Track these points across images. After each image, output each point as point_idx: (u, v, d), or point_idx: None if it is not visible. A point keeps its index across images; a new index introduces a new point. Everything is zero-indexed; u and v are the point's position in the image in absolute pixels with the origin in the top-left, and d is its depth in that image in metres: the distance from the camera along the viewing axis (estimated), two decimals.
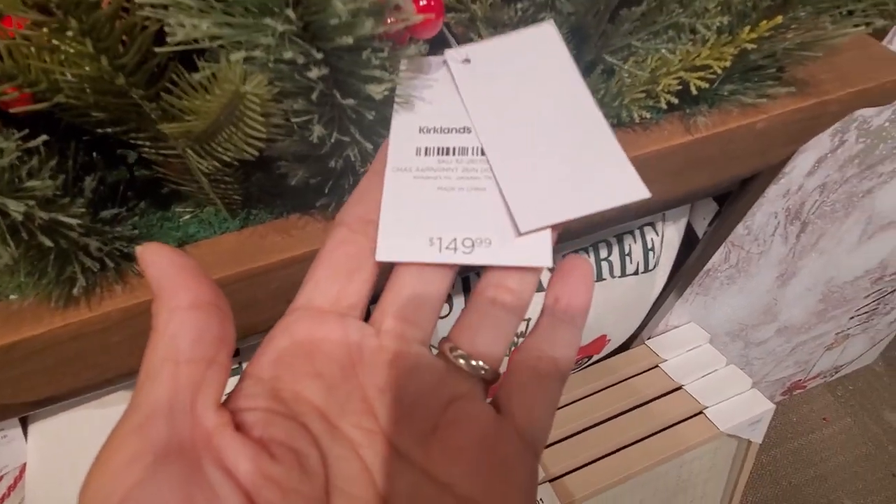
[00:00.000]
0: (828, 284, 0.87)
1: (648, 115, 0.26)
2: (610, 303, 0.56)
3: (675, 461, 0.66)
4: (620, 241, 0.53)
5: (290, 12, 0.12)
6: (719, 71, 0.22)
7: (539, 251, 0.16)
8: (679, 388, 0.72)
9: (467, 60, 0.17)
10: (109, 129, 0.19)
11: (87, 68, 0.16)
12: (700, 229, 0.56)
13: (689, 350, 0.79)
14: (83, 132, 0.21)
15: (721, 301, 0.82)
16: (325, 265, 0.16)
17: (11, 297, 0.23)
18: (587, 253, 0.52)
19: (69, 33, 0.15)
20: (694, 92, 0.23)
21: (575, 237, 0.45)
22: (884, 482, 1.15)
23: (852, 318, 1.01)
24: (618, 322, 0.61)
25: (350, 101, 0.15)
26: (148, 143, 0.20)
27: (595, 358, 0.70)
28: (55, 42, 0.15)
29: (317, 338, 0.15)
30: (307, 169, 0.21)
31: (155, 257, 0.14)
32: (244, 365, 0.45)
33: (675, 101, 0.24)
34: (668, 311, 0.77)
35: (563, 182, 0.17)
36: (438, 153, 0.16)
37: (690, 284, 0.76)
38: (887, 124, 0.62)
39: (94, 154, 0.24)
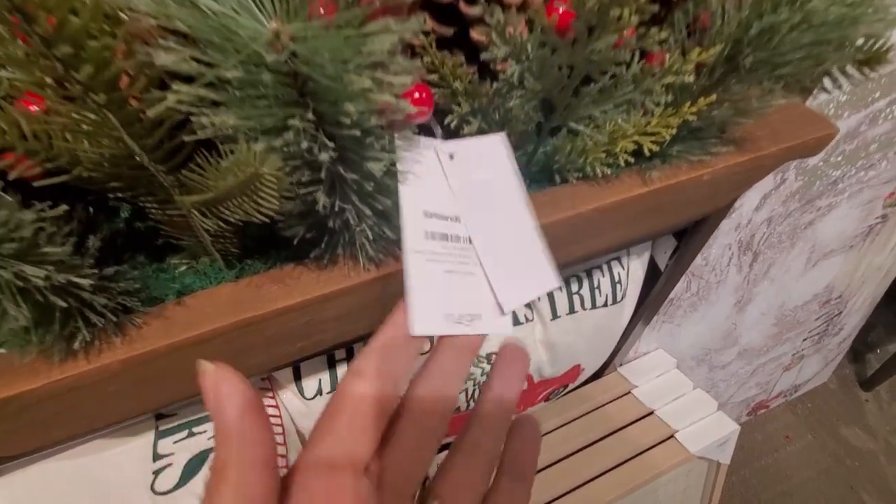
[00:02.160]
0: (781, 309, 0.93)
1: (609, 171, 0.29)
2: (582, 334, 0.59)
3: (650, 486, 0.68)
4: (590, 275, 0.56)
5: (309, 113, 0.14)
6: (667, 137, 0.26)
7: (507, 321, 0.21)
8: (650, 412, 0.75)
9: (452, 157, 0.20)
10: (119, 195, 0.21)
11: (109, 146, 0.17)
12: (662, 262, 0.60)
13: (658, 375, 0.83)
14: (87, 192, 0.23)
15: (686, 328, 0.87)
16: (348, 419, 0.16)
17: (4, 350, 0.23)
18: (560, 289, 0.55)
19: (91, 114, 0.17)
20: (647, 153, 0.27)
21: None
22: (844, 495, 1.20)
23: (805, 339, 1.07)
24: (590, 352, 0.64)
25: (352, 176, 0.17)
26: (155, 206, 0.22)
27: (571, 387, 0.72)
28: (77, 119, 0.17)
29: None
30: (307, 226, 0.23)
31: (230, 393, 0.13)
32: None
33: (632, 159, 0.28)
34: (637, 339, 0.81)
35: (522, 271, 0.21)
36: (441, 238, 0.19)
37: (657, 313, 0.80)
38: (821, 163, 0.68)
39: (93, 210, 0.25)
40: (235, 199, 0.18)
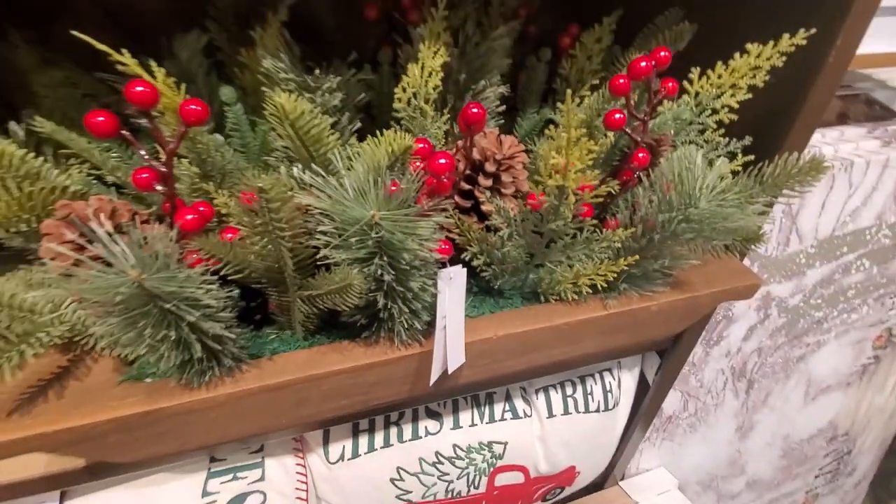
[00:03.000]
0: (786, 441, 0.95)
1: (577, 297, 0.41)
2: (577, 435, 0.66)
3: None
4: (583, 382, 0.65)
5: (383, 256, 0.27)
6: (611, 278, 0.37)
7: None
8: None
9: (451, 278, 0.32)
10: (256, 286, 0.34)
11: (271, 262, 0.31)
12: (650, 377, 0.68)
13: (659, 494, 0.85)
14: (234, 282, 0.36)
15: (687, 448, 0.90)
16: None
17: (150, 379, 0.35)
18: (555, 390, 0.64)
19: (269, 244, 0.30)
20: (600, 288, 0.38)
21: (546, 373, 0.57)
22: None
23: (817, 476, 1.05)
24: (585, 455, 0.69)
25: (401, 289, 0.30)
26: (275, 294, 0.34)
27: (568, 491, 0.76)
28: (259, 247, 0.31)
29: None
30: (363, 315, 0.35)
31: None
32: (266, 460, 0.54)
33: (591, 291, 0.39)
34: (637, 452, 0.85)
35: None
36: (441, 329, 0.30)
37: (655, 428, 0.85)
38: (801, 304, 0.77)
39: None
40: (331, 295, 0.31)
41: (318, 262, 0.30)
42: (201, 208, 0.29)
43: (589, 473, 0.75)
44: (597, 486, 0.84)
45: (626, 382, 0.69)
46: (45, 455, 0.46)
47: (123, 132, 0.26)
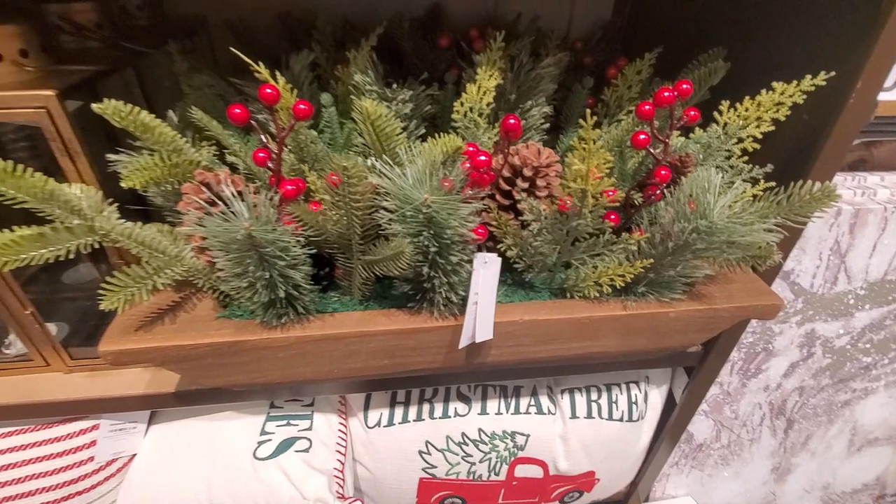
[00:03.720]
0: (826, 491, 0.90)
1: (598, 295, 0.46)
2: (598, 440, 0.69)
3: None
4: (609, 390, 0.68)
5: (430, 230, 0.34)
6: (629, 279, 0.42)
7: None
8: None
9: (485, 263, 0.39)
10: (329, 250, 0.42)
11: (342, 228, 0.39)
12: (678, 395, 0.69)
13: None
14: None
15: (718, 481, 0.88)
16: None
17: (238, 318, 0.44)
18: (580, 392, 0.67)
19: (343, 215, 0.38)
20: (618, 287, 0.43)
21: (569, 365, 0.61)
22: None
23: None
24: (606, 462, 0.72)
25: (442, 261, 0.37)
26: (343, 258, 0.43)
27: (588, 499, 0.78)
28: (335, 216, 0.39)
29: None
30: (410, 286, 0.42)
31: None
32: (315, 414, 0.62)
33: (610, 291, 0.44)
34: (664, 476, 0.85)
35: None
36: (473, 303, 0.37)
37: (684, 455, 0.85)
38: (848, 346, 0.76)
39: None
40: (387, 261, 0.38)
41: (379, 233, 0.38)
42: (298, 183, 0.38)
43: (609, 484, 0.77)
44: (619, 503, 0.85)
45: (653, 397, 0.71)
46: (147, 375, 0.56)
47: (251, 121, 0.36)
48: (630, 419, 0.69)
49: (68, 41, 0.50)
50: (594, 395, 0.68)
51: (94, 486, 0.59)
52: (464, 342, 0.42)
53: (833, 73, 0.40)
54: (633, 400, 0.69)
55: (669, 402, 0.72)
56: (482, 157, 0.35)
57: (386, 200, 0.35)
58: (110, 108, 0.37)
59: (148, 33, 0.59)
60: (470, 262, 0.39)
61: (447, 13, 0.77)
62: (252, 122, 0.36)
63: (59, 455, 0.58)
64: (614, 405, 0.68)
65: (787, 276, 0.72)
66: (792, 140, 0.47)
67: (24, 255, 0.37)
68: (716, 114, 0.46)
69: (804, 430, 0.83)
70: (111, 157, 0.42)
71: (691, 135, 0.46)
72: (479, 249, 0.41)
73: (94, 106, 0.37)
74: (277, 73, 0.36)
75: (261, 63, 0.36)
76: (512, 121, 0.35)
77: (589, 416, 0.67)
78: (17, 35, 0.41)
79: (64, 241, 0.38)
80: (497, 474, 0.68)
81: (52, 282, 0.58)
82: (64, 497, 0.58)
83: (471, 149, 0.38)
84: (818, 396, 0.80)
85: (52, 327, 0.56)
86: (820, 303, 0.73)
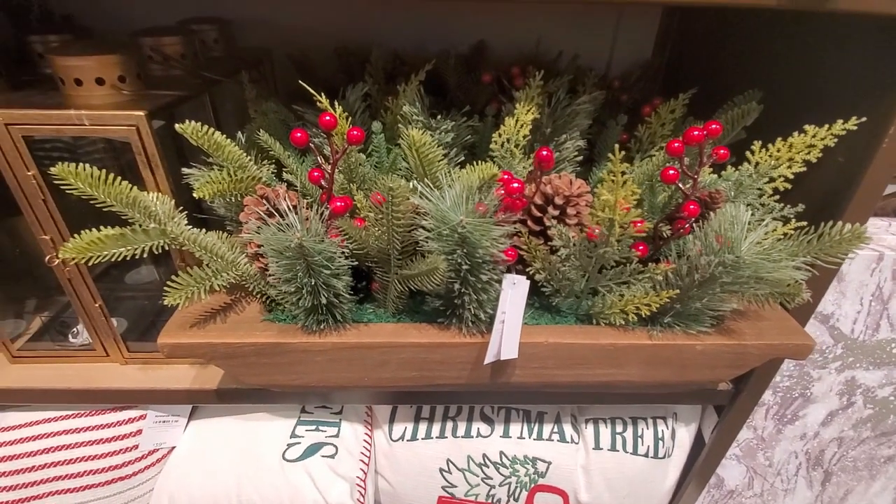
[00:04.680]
0: None
1: (624, 323, 0.47)
2: (622, 475, 0.68)
3: None
4: (635, 423, 0.68)
5: (463, 249, 0.36)
6: (655, 308, 0.43)
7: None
8: None
9: (514, 283, 0.41)
10: (369, 264, 0.45)
11: (382, 244, 0.42)
12: (706, 434, 0.68)
13: None
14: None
15: None
16: None
17: (282, 322, 0.47)
18: (605, 424, 0.67)
19: (384, 232, 0.42)
20: (644, 316, 0.44)
21: (594, 392, 0.61)
22: None
23: None
24: (628, 498, 0.70)
25: (473, 278, 0.39)
26: (380, 272, 0.46)
27: None
28: (377, 233, 0.42)
29: None
30: (441, 302, 0.45)
31: None
32: (342, 422, 0.65)
33: (636, 319, 0.45)
34: None
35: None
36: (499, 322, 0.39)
37: (714, 501, 0.82)
38: (892, 398, 0.72)
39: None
40: (422, 276, 0.41)
41: (416, 250, 0.41)
42: (347, 201, 0.42)
43: None
44: None
45: (681, 435, 0.69)
46: (193, 372, 0.61)
47: (311, 144, 0.40)
48: (656, 455, 0.68)
49: (157, 69, 0.57)
50: (619, 428, 0.67)
51: (135, 474, 0.63)
52: (489, 358, 0.44)
53: (864, 119, 0.41)
54: (660, 436, 0.68)
55: (698, 442, 0.71)
56: (515, 185, 0.38)
57: (425, 220, 0.38)
58: (190, 129, 0.42)
59: (221, 64, 0.66)
60: (499, 281, 0.41)
61: (491, 50, 0.82)
62: (311, 144, 0.41)
63: (108, 441, 0.63)
64: (640, 439, 0.67)
65: (827, 319, 0.70)
66: (827, 182, 0.48)
67: (106, 252, 0.42)
68: (748, 153, 0.47)
69: (843, 483, 0.79)
70: (186, 170, 0.47)
71: (723, 172, 0.48)
72: (509, 271, 0.43)
73: (178, 126, 0.43)
74: (335, 103, 0.40)
75: (322, 93, 0.40)
76: (545, 152, 0.37)
77: (613, 448, 0.67)
78: (117, 63, 0.48)
79: (140, 241, 0.43)
80: (516, 500, 0.68)
81: (117, 280, 0.65)
82: (108, 481, 0.62)
83: (505, 176, 0.41)
84: (858, 449, 0.76)
85: (113, 322, 0.61)
86: (861, 349, 0.71)
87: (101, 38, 0.72)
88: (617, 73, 0.81)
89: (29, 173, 0.47)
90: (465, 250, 0.37)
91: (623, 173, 0.35)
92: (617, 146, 0.35)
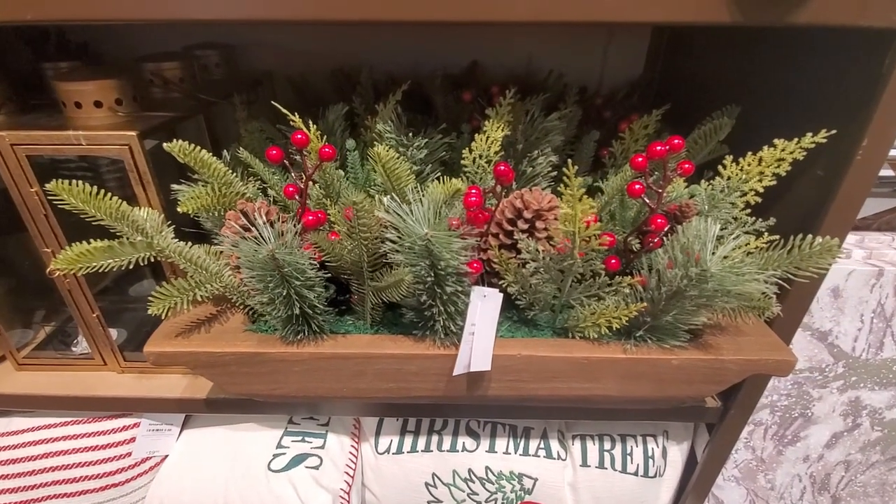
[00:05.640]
0: None
1: (598, 336, 0.47)
2: (610, 493, 0.66)
3: None
4: (623, 441, 0.66)
5: (428, 261, 0.37)
6: (625, 321, 0.43)
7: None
8: None
9: (484, 296, 0.42)
10: (343, 276, 0.47)
11: (355, 257, 0.43)
12: (699, 453, 0.66)
13: None
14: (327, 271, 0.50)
15: None
16: None
17: (263, 332, 0.49)
18: (593, 440, 0.66)
19: (354, 246, 0.43)
20: (616, 328, 0.44)
21: (582, 416, 0.61)
22: None
23: None
24: None
25: (439, 290, 0.40)
26: (356, 284, 0.47)
27: None
28: (350, 246, 0.44)
29: None
30: (414, 314, 0.46)
31: None
32: (329, 434, 0.66)
33: (608, 332, 0.45)
34: None
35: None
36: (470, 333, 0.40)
37: None
38: None
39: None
40: (390, 289, 0.42)
41: (385, 262, 0.42)
42: (319, 215, 0.43)
43: None
44: None
45: (673, 454, 0.68)
46: (185, 382, 0.63)
47: (285, 161, 0.42)
48: (646, 474, 0.66)
49: (156, 92, 0.60)
50: (607, 445, 0.66)
51: (128, 481, 0.65)
52: (458, 370, 0.44)
53: (834, 132, 0.41)
54: (650, 454, 0.66)
55: (692, 462, 0.69)
56: (473, 198, 0.39)
57: (390, 233, 0.39)
58: (177, 147, 0.45)
59: (222, 86, 0.69)
60: (466, 293, 0.42)
61: (484, 70, 0.84)
62: (286, 161, 0.42)
63: (103, 447, 0.65)
64: (629, 457, 0.66)
65: (825, 336, 0.68)
66: (807, 196, 0.48)
67: (94, 264, 0.44)
68: (720, 167, 0.47)
69: None
70: (175, 186, 0.50)
71: (695, 185, 0.48)
72: (483, 283, 0.44)
73: (165, 145, 0.45)
74: (311, 122, 0.42)
75: (306, 115, 0.42)
76: (502, 167, 0.38)
77: (601, 465, 0.66)
78: (115, 87, 0.51)
79: (127, 253, 0.45)
80: None
81: (120, 293, 0.68)
82: (102, 487, 0.64)
83: (474, 191, 0.42)
84: (868, 473, 0.73)
85: (113, 332, 0.64)
86: (865, 369, 0.69)
87: (107, 64, 0.77)
88: (607, 91, 0.82)
89: (32, 190, 0.50)
90: (429, 262, 0.39)
91: (588, 187, 0.36)
92: (570, 160, 0.35)
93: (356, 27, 0.82)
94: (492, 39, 0.83)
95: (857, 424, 0.71)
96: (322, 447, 0.63)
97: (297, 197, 0.44)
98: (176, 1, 0.35)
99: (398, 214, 0.39)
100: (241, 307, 0.52)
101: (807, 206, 0.47)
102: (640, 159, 0.41)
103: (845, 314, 0.67)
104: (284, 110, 0.41)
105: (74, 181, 0.42)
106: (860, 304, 0.66)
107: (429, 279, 0.39)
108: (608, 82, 0.85)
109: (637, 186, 0.42)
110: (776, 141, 0.43)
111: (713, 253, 0.39)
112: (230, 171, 0.49)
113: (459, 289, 0.41)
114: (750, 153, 0.45)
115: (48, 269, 0.55)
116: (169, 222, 0.49)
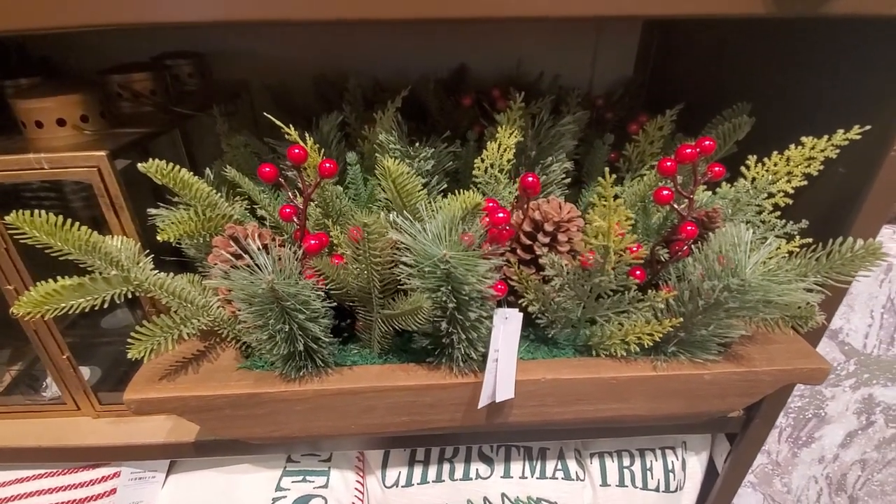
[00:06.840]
0: None
1: (626, 354, 0.44)
2: None
3: None
4: (643, 456, 0.64)
5: (448, 286, 0.33)
6: (658, 338, 0.40)
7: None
8: None
9: (506, 318, 0.38)
10: (349, 304, 0.42)
11: (363, 283, 0.39)
12: (719, 464, 0.64)
13: None
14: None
15: None
16: None
17: (259, 369, 0.44)
18: (611, 458, 0.63)
19: (364, 270, 0.39)
20: (647, 345, 0.41)
21: (598, 428, 0.57)
22: None
23: None
24: None
25: (461, 317, 0.36)
26: (362, 311, 0.43)
27: None
28: (356, 270, 0.39)
29: None
30: (428, 340, 0.42)
31: None
32: (331, 470, 0.61)
33: (638, 350, 0.42)
34: None
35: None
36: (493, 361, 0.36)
37: None
38: None
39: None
40: (405, 316, 0.38)
41: (399, 288, 0.38)
42: (322, 238, 0.39)
43: None
44: None
45: (692, 466, 0.65)
46: (169, 424, 0.57)
47: (280, 179, 0.37)
48: (667, 490, 0.63)
49: (126, 107, 0.55)
50: (626, 461, 0.63)
51: None
52: (483, 401, 0.40)
53: (868, 127, 0.39)
54: (670, 468, 0.64)
55: (710, 472, 0.66)
56: (501, 214, 0.35)
57: (405, 256, 0.35)
58: (154, 167, 0.40)
59: (197, 98, 0.64)
60: (490, 318, 0.38)
61: (473, 73, 0.81)
62: (280, 179, 0.38)
63: (82, 501, 0.58)
64: (649, 473, 0.63)
65: (836, 335, 0.67)
66: (829, 195, 0.46)
67: (63, 304, 0.38)
68: (743, 168, 0.45)
69: None
70: (152, 211, 0.45)
71: (718, 189, 0.45)
72: (500, 305, 0.40)
73: (140, 165, 0.40)
74: (307, 134, 0.38)
75: (291, 126, 0.38)
76: (530, 178, 0.35)
77: (621, 484, 0.63)
78: (79, 103, 0.45)
79: (101, 290, 0.40)
80: None
81: (91, 326, 0.61)
82: None
83: (490, 205, 0.39)
84: (885, 472, 0.72)
85: (85, 371, 0.57)
86: (877, 365, 0.68)
87: (69, 78, 0.70)
88: (599, 91, 0.80)
89: None
90: (450, 287, 0.35)
91: (616, 196, 0.33)
92: (607, 168, 0.32)
93: (336, 30, 0.78)
94: (479, 41, 0.80)
95: (871, 422, 0.70)
96: (325, 486, 0.58)
97: (294, 219, 0.39)
98: (145, 3, 0.30)
99: (413, 235, 0.35)
100: (233, 342, 0.47)
101: (832, 207, 0.45)
102: (669, 163, 0.38)
103: (855, 311, 0.66)
104: (278, 122, 0.37)
105: (37, 212, 0.37)
106: (870, 300, 0.65)
107: (450, 305, 0.35)
108: (599, 83, 0.83)
109: (665, 192, 0.39)
110: (805, 139, 0.41)
111: (751, 261, 0.36)
112: (214, 191, 0.44)
113: (484, 314, 0.37)
114: (776, 153, 0.43)
115: (10, 311, 0.49)
116: (146, 251, 0.44)
